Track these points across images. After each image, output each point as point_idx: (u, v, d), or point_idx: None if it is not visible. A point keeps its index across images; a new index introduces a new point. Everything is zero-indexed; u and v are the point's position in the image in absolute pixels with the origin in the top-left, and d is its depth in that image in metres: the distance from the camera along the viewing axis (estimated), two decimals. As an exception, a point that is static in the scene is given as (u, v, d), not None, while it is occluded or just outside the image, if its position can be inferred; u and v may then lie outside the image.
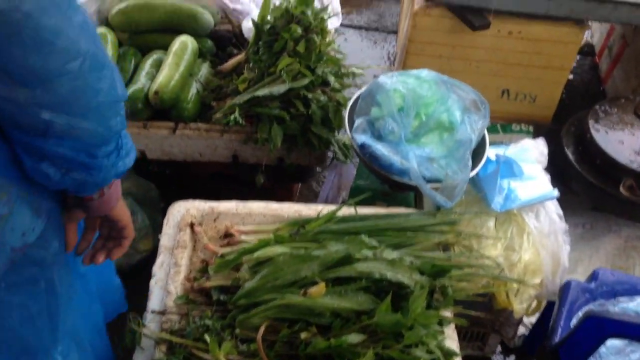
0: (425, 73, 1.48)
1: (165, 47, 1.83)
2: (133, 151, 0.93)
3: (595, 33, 2.97)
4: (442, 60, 2.26)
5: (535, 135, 2.34)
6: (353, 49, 2.89)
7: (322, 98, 1.62)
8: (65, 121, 0.78)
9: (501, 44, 2.17)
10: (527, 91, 2.31)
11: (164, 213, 1.35)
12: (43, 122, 0.77)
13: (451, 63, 2.27)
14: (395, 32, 2.97)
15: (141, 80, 1.71)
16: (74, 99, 0.78)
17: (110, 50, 1.76)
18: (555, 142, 2.06)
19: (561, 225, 1.49)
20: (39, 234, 0.87)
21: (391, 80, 1.45)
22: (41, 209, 0.87)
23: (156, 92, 1.66)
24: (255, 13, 1.87)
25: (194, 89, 1.75)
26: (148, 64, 1.78)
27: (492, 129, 2.38)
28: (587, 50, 2.91)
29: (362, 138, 1.42)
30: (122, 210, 1.00)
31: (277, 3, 1.73)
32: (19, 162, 0.81)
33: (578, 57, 2.81)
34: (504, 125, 2.39)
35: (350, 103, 1.56)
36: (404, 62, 2.33)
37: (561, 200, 1.52)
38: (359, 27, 3.04)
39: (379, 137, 1.43)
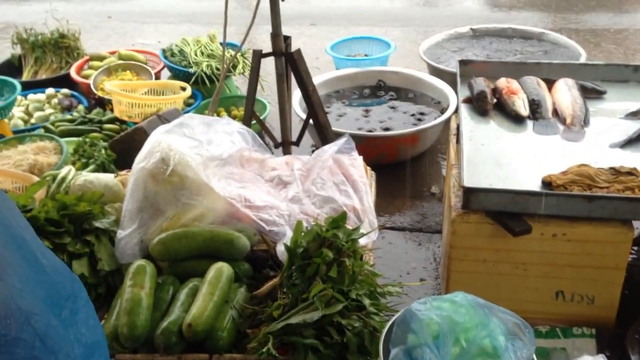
0: (460, 297, 1.42)
1: (203, 273, 1.85)
2: None
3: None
4: (488, 264, 2.19)
5: (598, 338, 2.16)
6: (397, 251, 2.86)
7: (357, 324, 1.56)
8: None
9: (547, 247, 2.10)
10: (583, 292, 2.18)
11: None
12: None
13: (497, 267, 2.19)
14: (440, 232, 2.94)
15: (176, 312, 1.71)
16: None
17: (148, 282, 1.78)
18: (622, 351, 1.88)
19: None
20: None
21: (424, 307, 1.38)
22: None
23: (189, 325, 1.64)
24: (290, 235, 1.89)
25: (229, 316, 1.73)
26: (184, 293, 1.79)
27: (552, 334, 2.22)
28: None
29: (398, 372, 1.33)
30: None
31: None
32: None
33: (635, 248, 2.68)
34: (564, 329, 2.23)
35: (385, 330, 1.49)
36: (448, 267, 2.27)
37: None
38: (402, 229, 3.04)
39: (417, 369, 1.34)
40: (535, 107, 2.54)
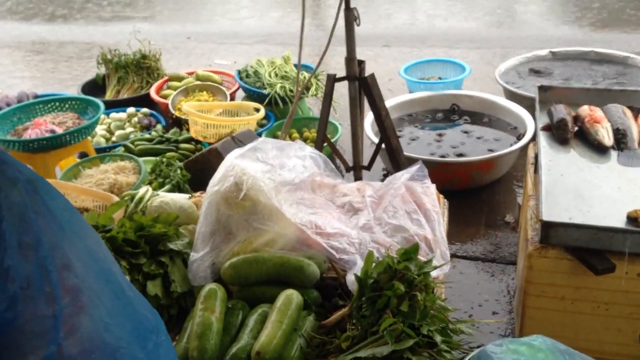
0: (539, 340, 1.35)
1: (272, 299, 1.85)
2: None
3: None
4: (566, 302, 2.09)
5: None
6: (469, 282, 2.78)
7: (428, 362, 1.51)
8: None
9: (632, 287, 1.99)
10: (670, 336, 2.04)
11: None
12: None
13: (576, 305, 2.09)
14: (514, 263, 2.84)
15: (245, 338, 1.71)
16: None
17: (219, 306, 1.80)
18: None
19: None
20: None
21: (500, 350, 1.33)
22: None
23: (258, 353, 1.64)
24: (360, 264, 1.86)
25: (297, 345, 1.72)
26: (253, 319, 1.79)
27: (634, 379, 2.10)
28: None
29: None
30: None
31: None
32: None
33: None
34: (648, 374, 2.10)
35: (458, 371, 1.44)
36: (523, 302, 2.19)
37: None
38: (475, 258, 2.96)
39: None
40: (620, 137, 2.42)
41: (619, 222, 2.01)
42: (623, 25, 5.80)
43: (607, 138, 2.41)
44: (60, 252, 0.70)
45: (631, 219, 2.01)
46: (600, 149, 2.41)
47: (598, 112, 2.53)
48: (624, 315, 2.06)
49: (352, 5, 2.59)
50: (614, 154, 2.40)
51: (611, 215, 2.04)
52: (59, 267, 0.69)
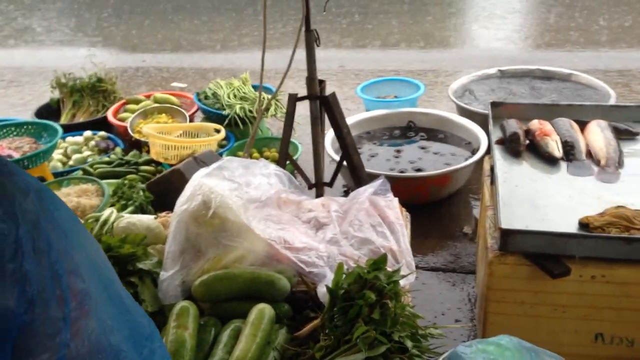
0: (506, 340, 1.42)
1: (244, 314, 1.87)
2: None
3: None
4: (525, 306, 2.19)
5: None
6: (431, 292, 2.86)
7: (401, 367, 1.57)
8: None
9: (586, 289, 2.09)
10: (623, 335, 2.16)
11: None
12: None
13: (535, 309, 2.18)
14: (473, 272, 2.94)
15: (219, 354, 1.73)
16: None
17: (191, 323, 1.81)
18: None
19: None
20: None
21: (470, 350, 1.39)
22: None
23: (233, 366, 1.66)
24: (330, 276, 1.91)
25: (270, 358, 1.75)
26: (226, 334, 1.81)
27: (591, 377, 2.20)
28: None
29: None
30: None
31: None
32: None
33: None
34: (604, 372, 2.21)
35: (429, 373, 1.50)
36: (484, 308, 2.27)
37: None
38: (436, 269, 3.05)
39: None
40: (569, 149, 2.55)
41: (572, 228, 2.13)
42: (565, 44, 6.08)
43: (557, 150, 2.55)
44: (67, 258, 0.73)
45: (583, 224, 2.13)
46: (550, 161, 2.54)
47: (547, 126, 2.66)
48: (580, 316, 2.16)
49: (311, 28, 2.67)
50: (563, 164, 2.53)
51: (564, 222, 2.16)
52: (68, 272, 0.72)
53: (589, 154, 2.56)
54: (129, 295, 0.95)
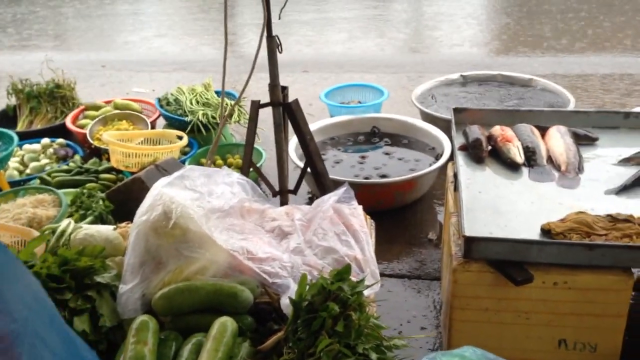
0: (469, 352, 1.42)
1: (206, 328, 1.82)
2: None
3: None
4: (490, 313, 2.19)
5: (603, 387, 2.16)
6: (397, 299, 2.85)
7: (365, 379, 1.55)
8: None
9: (549, 295, 2.11)
10: (586, 340, 2.17)
11: None
12: None
13: (500, 316, 2.19)
14: (439, 279, 2.94)
15: (180, 370, 1.69)
16: None
17: (151, 338, 1.76)
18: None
19: None
20: None
21: (435, 363, 1.38)
22: None
23: (194, 383, 1.62)
24: (294, 287, 1.88)
25: (233, 372, 1.71)
26: (187, 349, 1.77)
27: (555, 382, 2.21)
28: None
29: None
30: None
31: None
32: None
33: (633, 293, 2.68)
34: (567, 377, 2.22)
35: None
36: (450, 316, 2.27)
37: None
38: (401, 276, 3.04)
39: None
40: (530, 155, 2.58)
41: (534, 234, 2.15)
42: (525, 50, 6.17)
43: (519, 156, 2.57)
44: None
45: (545, 231, 2.14)
46: (512, 166, 2.55)
47: (509, 132, 2.68)
48: (543, 323, 2.17)
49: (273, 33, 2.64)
50: (525, 170, 2.55)
51: (527, 229, 2.18)
52: None
53: (550, 159, 2.58)
54: (70, 328, 0.89)
